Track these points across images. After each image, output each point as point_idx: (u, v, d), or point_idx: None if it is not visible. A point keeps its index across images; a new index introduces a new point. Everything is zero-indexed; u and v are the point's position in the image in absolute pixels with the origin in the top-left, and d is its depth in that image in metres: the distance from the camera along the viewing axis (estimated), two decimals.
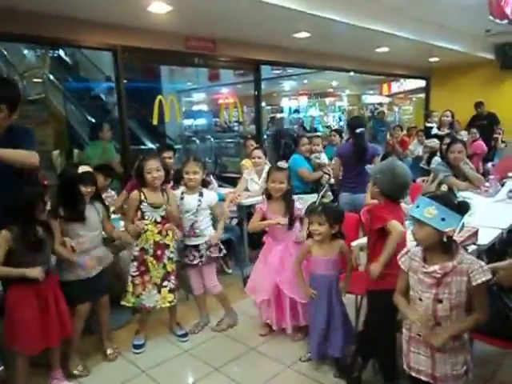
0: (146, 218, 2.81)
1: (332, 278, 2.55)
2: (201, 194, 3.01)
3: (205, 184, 3.12)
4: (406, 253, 1.83)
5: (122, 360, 2.80)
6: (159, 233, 2.83)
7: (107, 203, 3.42)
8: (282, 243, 2.94)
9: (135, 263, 2.82)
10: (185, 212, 2.98)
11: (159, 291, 2.83)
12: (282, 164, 2.94)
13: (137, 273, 2.81)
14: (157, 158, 2.86)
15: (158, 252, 2.82)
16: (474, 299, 1.66)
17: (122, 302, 2.85)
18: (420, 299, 1.75)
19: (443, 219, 1.62)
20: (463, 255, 1.66)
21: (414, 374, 1.82)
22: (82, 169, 2.62)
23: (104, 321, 2.81)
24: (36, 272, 2.25)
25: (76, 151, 4.87)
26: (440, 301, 1.68)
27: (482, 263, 1.63)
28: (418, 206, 1.68)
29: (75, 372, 2.62)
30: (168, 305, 2.87)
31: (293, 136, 8.93)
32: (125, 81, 4.65)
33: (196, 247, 2.99)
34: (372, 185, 2.36)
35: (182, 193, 3.02)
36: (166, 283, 2.85)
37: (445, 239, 1.65)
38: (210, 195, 3.08)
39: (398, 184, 2.28)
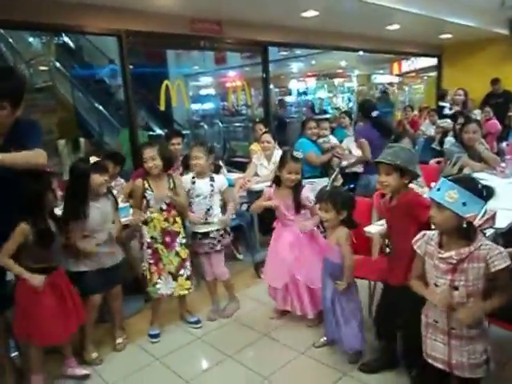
0: (151, 205, 2.79)
1: (338, 265, 2.48)
2: (212, 179, 2.98)
3: (217, 169, 3.09)
4: (421, 237, 1.77)
5: (136, 347, 2.82)
6: (166, 220, 2.80)
7: (117, 191, 3.44)
8: (292, 230, 2.90)
9: (149, 251, 2.82)
10: (195, 196, 2.95)
11: (175, 279, 2.84)
12: (298, 154, 2.85)
13: (152, 260, 2.81)
14: (154, 147, 2.77)
15: (167, 239, 2.81)
16: (496, 283, 1.61)
17: (148, 289, 2.87)
18: (436, 285, 1.70)
19: (464, 204, 1.55)
20: (481, 240, 1.60)
21: (430, 361, 1.80)
22: (92, 160, 2.61)
23: (116, 310, 2.82)
24: (37, 280, 2.23)
25: (82, 140, 4.80)
26: (456, 288, 1.64)
27: (502, 249, 1.57)
28: (439, 189, 1.61)
29: (89, 359, 2.65)
30: (186, 292, 2.89)
31: (285, 121, 8.86)
32: (131, 66, 4.59)
33: (206, 234, 2.97)
34: (398, 177, 2.10)
35: (193, 177, 2.99)
36: (182, 271, 2.85)
37: (464, 225, 1.60)
38: (221, 180, 3.06)
39: (416, 159, 2.19)
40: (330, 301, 2.51)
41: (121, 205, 3.18)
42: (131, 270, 3.25)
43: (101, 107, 7.52)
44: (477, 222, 2.27)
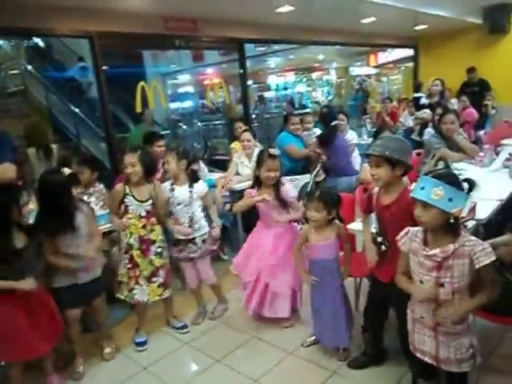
0: (130, 211, 2.73)
1: (332, 262, 2.48)
2: (191, 186, 2.92)
3: (194, 175, 3.00)
4: (405, 233, 1.76)
5: (122, 357, 2.77)
6: (143, 227, 2.75)
7: (95, 198, 3.35)
8: (275, 229, 2.87)
9: (127, 255, 2.76)
10: (177, 205, 2.90)
11: (148, 285, 2.78)
12: (275, 151, 2.81)
13: (129, 265, 2.75)
14: (135, 152, 2.70)
15: (144, 246, 2.75)
16: (481, 279, 1.61)
17: (117, 295, 2.81)
18: (421, 281, 1.70)
19: (450, 199, 1.53)
20: (465, 237, 1.60)
21: (418, 355, 1.80)
22: (66, 172, 2.52)
23: (101, 321, 2.76)
24: (26, 284, 2.16)
25: (54, 146, 4.57)
26: (441, 284, 1.63)
27: (486, 244, 1.57)
28: (423, 188, 1.58)
29: (76, 374, 2.59)
30: (157, 298, 2.83)
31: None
32: (106, 67, 4.48)
33: (192, 240, 2.92)
34: (389, 169, 2.03)
35: (172, 184, 2.93)
36: (154, 279, 2.79)
37: (452, 220, 1.58)
38: (200, 186, 2.98)
39: (409, 149, 2.13)
40: (330, 302, 2.48)
41: (101, 211, 3.11)
42: (114, 276, 3.18)
43: (75, 109, 7.36)
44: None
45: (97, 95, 4.52)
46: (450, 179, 1.58)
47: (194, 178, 2.96)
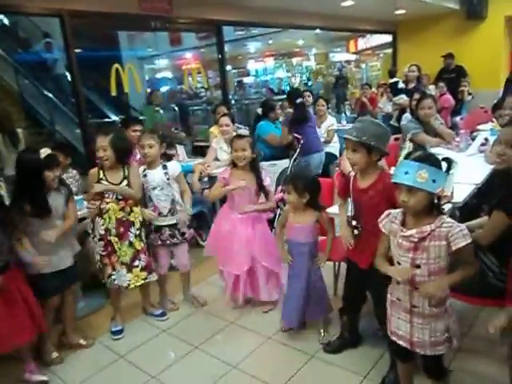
0: (106, 195, 2.64)
1: (307, 245, 2.49)
2: (164, 167, 2.85)
3: (169, 157, 2.95)
4: (386, 216, 1.75)
5: (99, 346, 2.71)
6: (122, 209, 2.66)
7: (69, 182, 3.24)
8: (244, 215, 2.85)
9: (102, 243, 2.67)
10: (152, 189, 2.82)
11: (130, 271, 2.70)
12: (243, 131, 2.79)
13: (104, 253, 2.67)
14: (107, 136, 2.58)
15: (121, 230, 2.66)
16: (460, 258, 1.62)
17: (103, 281, 2.74)
18: (398, 263, 1.70)
19: (434, 181, 1.53)
20: (442, 219, 1.60)
21: (394, 339, 1.80)
22: (44, 152, 2.41)
23: (68, 313, 2.66)
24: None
25: (20, 131, 4.36)
26: (417, 266, 1.63)
27: (463, 226, 1.57)
28: (406, 172, 1.55)
29: (49, 360, 2.53)
30: (142, 282, 2.75)
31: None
32: (79, 50, 4.32)
33: (174, 226, 2.88)
34: (366, 154, 2.00)
35: (144, 169, 2.86)
36: (136, 262, 2.71)
37: (435, 200, 1.59)
38: (174, 166, 2.92)
39: (388, 135, 2.11)
40: (303, 283, 2.49)
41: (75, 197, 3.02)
42: (89, 265, 3.10)
43: (44, 90, 7.10)
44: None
45: (64, 72, 4.36)
46: (432, 161, 1.58)
47: (167, 159, 2.91)
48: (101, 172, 2.65)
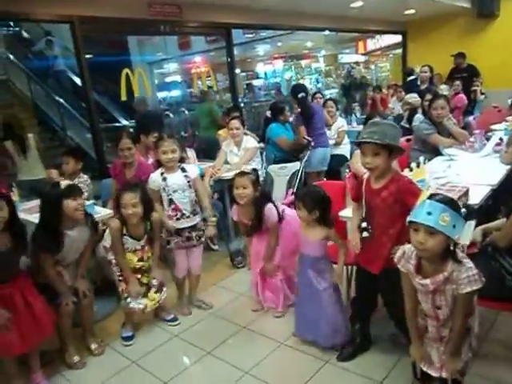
0: (126, 248, 2.67)
1: (313, 259, 2.45)
2: (183, 170, 2.87)
3: (182, 160, 2.95)
4: (402, 255, 1.67)
5: (111, 351, 2.69)
6: (140, 260, 2.69)
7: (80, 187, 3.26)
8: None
9: (116, 268, 2.70)
10: (173, 192, 2.83)
11: (146, 296, 2.71)
12: (245, 168, 2.80)
13: (120, 278, 2.69)
14: (135, 191, 2.57)
15: (138, 275, 2.71)
16: (457, 304, 1.58)
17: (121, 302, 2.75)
18: (419, 303, 1.68)
19: (454, 226, 1.47)
20: (453, 266, 1.54)
21: (424, 368, 1.74)
22: (66, 183, 2.46)
23: (87, 317, 2.68)
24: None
25: (31, 136, 4.38)
26: (438, 307, 1.61)
27: (472, 272, 1.51)
28: (429, 213, 1.48)
29: (71, 363, 2.54)
30: (156, 305, 2.77)
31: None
32: (89, 55, 4.35)
33: (193, 227, 2.90)
34: (387, 157, 1.96)
35: (162, 173, 2.85)
36: (151, 290, 2.73)
37: (452, 247, 1.53)
38: (192, 168, 2.95)
39: (400, 134, 2.09)
40: (308, 298, 2.45)
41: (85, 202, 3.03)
42: (100, 271, 3.11)
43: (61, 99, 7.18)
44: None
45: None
46: (454, 205, 1.52)
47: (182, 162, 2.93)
48: (124, 228, 2.63)
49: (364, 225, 2.13)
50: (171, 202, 2.84)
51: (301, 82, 12.76)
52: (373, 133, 1.96)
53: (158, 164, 2.92)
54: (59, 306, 2.44)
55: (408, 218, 1.57)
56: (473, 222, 1.72)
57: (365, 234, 2.12)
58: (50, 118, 7.52)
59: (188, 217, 2.87)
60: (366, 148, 1.98)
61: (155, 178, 2.86)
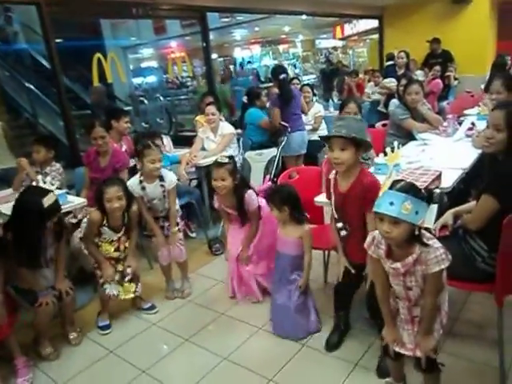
0: (103, 238, 2.67)
1: (290, 259, 2.48)
2: (161, 179, 2.85)
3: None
4: (372, 241, 1.69)
5: (87, 341, 2.66)
6: (117, 250, 2.71)
7: (51, 177, 3.17)
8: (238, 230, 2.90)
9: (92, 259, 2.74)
10: (150, 200, 2.88)
11: (121, 284, 2.72)
12: (222, 158, 2.73)
13: (96, 265, 2.72)
14: (118, 185, 2.59)
15: (112, 262, 2.72)
16: (427, 283, 1.60)
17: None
18: (391, 286, 1.70)
19: (417, 212, 1.48)
20: (421, 248, 1.56)
21: (397, 348, 1.76)
22: (49, 199, 2.28)
23: (67, 306, 2.63)
24: None
25: None
26: (409, 288, 1.64)
27: (439, 251, 1.53)
28: (392, 203, 1.48)
29: (44, 354, 2.51)
30: (132, 295, 2.77)
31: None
32: (59, 40, 4.19)
33: (166, 217, 2.95)
34: (354, 152, 1.98)
35: (141, 181, 2.83)
36: (125, 278, 2.74)
37: (417, 232, 1.53)
38: (170, 177, 2.91)
39: (366, 129, 2.10)
40: (283, 296, 2.48)
41: (57, 191, 2.94)
42: (75, 261, 3.05)
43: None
44: (421, 183, 2.28)
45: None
46: (416, 192, 1.52)
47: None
48: (104, 219, 2.62)
49: (340, 225, 2.15)
50: (148, 208, 2.91)
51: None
52: (340, 127, 1.97)
53: (133, 153, 2.89)
54: (39, 307, 2.37)
55: (372, 209, 1.58)
56: (435, 206, 1.73)
57: (343, 232, 2.15)
58: (19, 104, 7.28)
59: (161, 211, 2.95)
60: (334, 143, 1.99)
61: (134, 186, 2.83)
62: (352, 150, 1.97)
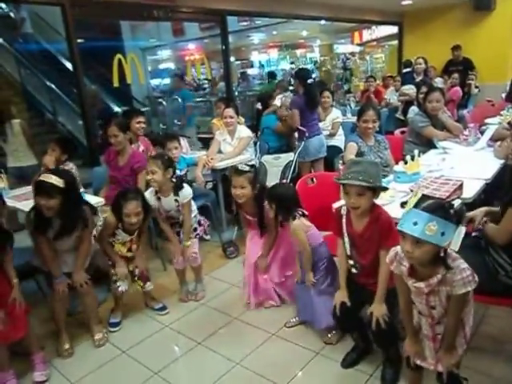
0: (117, 239, 2.72)
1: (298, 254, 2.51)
2: (176, 194, 2.84)
3: (179, 185, 2.87)
4: (394, 257, 1.64)
5: None
6: (129, 250, 2.76)
7: None
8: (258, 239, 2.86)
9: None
10: (164, 211, 2.91)
11: (132, 281, 2.83)
12: (242, 166, 2.70)
13: (110, 262, 2.76)
14: (138, 200, 2.60)
15: (124, 261, 2.79)
16: (451, 304, 1.56)
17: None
18: (413, 303, 1.67)
19: (443, 233, 1.42)
20: (448, 266, 1.52)
21: (418, 361, 1.73)
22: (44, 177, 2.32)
23: (87, 304, 2.67)
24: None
25: (16, 121, 4.34)
26: (433, 307, 1.60)
27: (466, 273, 1.49)
28: (415, 223, 1.43)
29: (60, 351, 2.54)
30: (140, 289, 2.86)
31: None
32: (81, 40, 4.25)
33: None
34: (371, 196, 1.96)
35: (157, 192, 2.84)
36: (135, 277, 2.83)
37: (442, 254, 1.49)
38: (185, 194, 2.87)
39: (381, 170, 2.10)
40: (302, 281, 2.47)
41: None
42: (93, 260, 3.06)
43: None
44: (442, 193, 2.24)
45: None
46: (443, 212, 1.46)
47: (179, 186, 2.85)
48: (119, 224, 2.66)
49: (351, 262, 2.13)
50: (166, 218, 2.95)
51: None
52: (357, 173, 1.92)
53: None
54: (54, 290, 2.45)
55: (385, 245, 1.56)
56: (464, 228, 1.68)
57: (353, 270, 2.13)
58: (40, 103, 7.40)
59: (178, 218, 2.96)
60: (350, 188, 1.94)
61: (149, 197, 2.83)
62: (369, 194, 1.94)
